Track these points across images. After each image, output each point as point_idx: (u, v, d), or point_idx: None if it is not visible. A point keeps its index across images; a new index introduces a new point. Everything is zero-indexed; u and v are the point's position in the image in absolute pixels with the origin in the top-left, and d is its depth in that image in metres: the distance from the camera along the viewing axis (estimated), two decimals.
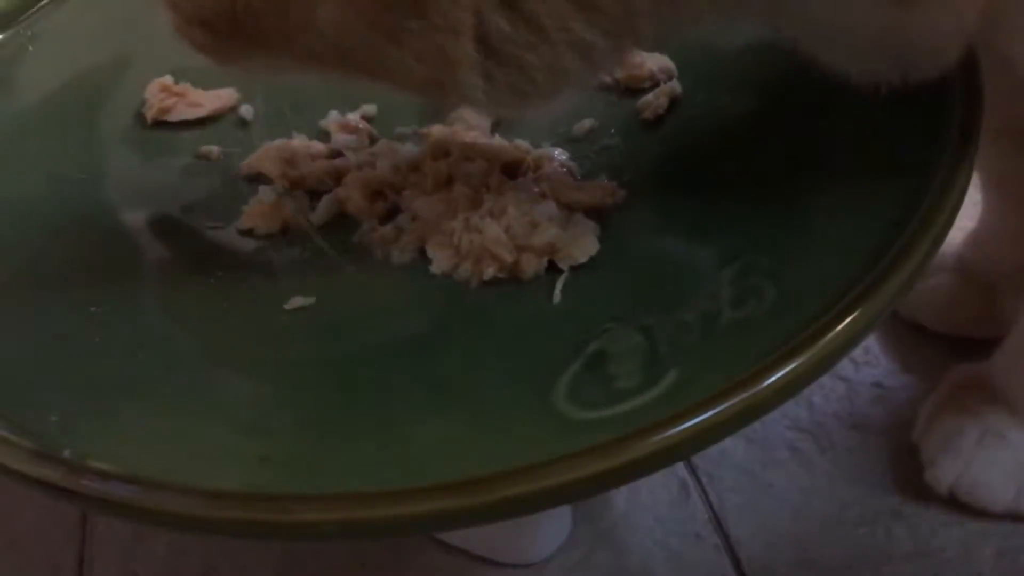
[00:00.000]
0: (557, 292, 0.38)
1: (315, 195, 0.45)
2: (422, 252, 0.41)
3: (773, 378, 0.30)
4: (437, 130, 0.47)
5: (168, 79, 0.49)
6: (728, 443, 0.55)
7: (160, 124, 0.49)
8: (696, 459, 0.54)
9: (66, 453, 0.31)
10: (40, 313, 0.39)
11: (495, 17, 0.32)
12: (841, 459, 0.54)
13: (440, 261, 0.40)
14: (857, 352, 0.61)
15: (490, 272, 0.39)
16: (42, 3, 0.51)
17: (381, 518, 0.28)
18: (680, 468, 0.53)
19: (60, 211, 0.44)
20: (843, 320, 0.32)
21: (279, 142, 0.47)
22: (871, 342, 0.61)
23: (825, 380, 0.58)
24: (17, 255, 0.41)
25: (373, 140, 0.48)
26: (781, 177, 0.40)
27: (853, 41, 0.38)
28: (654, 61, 0.48)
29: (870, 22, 0.36)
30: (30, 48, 0.49)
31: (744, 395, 0.30)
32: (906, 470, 0.52)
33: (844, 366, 0.60)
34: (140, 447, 0.32)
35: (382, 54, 0.32)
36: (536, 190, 0.42)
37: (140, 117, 0.49)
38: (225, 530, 0.30)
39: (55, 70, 0.49)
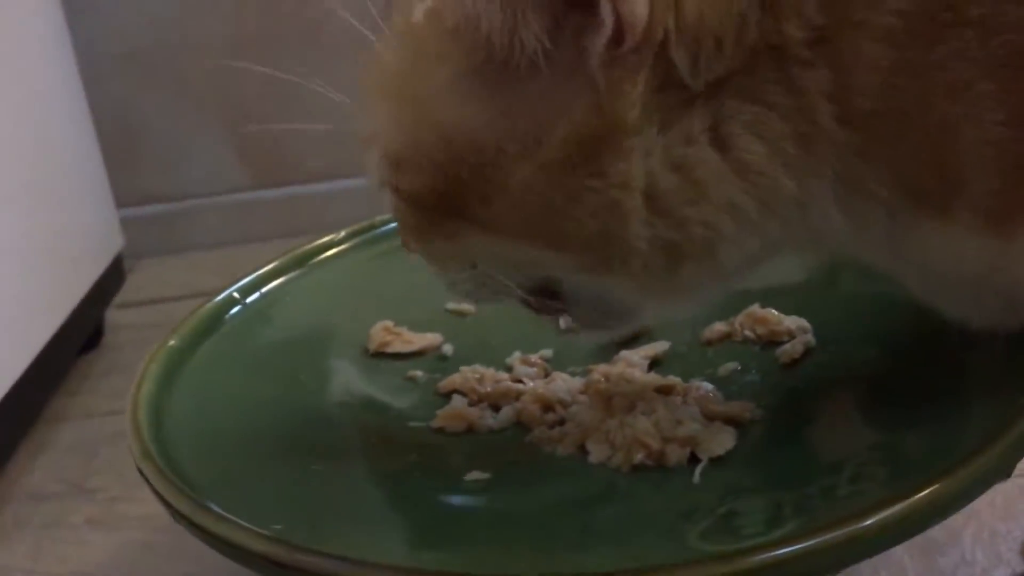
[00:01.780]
0: (697, 474, 0.45)
1: (496, 408, 0.55)
2: (582, 448, 0.49)
3: (872, 520, 0.35)
4: (602, 367, 0.56)
5: (389, 323, 0.62)
6: None
7: (379, 355, 0.60)
8: None
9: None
10: (273, 468, 0.48)
11: (664, 174, 0.38)
12: None
13: (597, 453, 0.48)
14: None
15: (639, 457, 0.46)
16: (310, 263, 0.66)
17: None
18: None
19: (298, 409, 0.55)
20: (938, 483, 0.37)
21: (472, 367, 0.57)
22: None
23: None
24: (268, 435, 0.52)
25: (547, 374, 0.58)
26: (895, 398, 0.47)
27: (962, 284, 0.43)
28: (791, 321, 0.57)
29: (974, 260, 0.41)
30: (298, 292, 0.64)
31: (846, 529, 0.35)
32: None
33: None
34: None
35: (562, 211, 0.39)
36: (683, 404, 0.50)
37: (364, 348, 0.61)
38: None
39: (306, 311, 0.63)
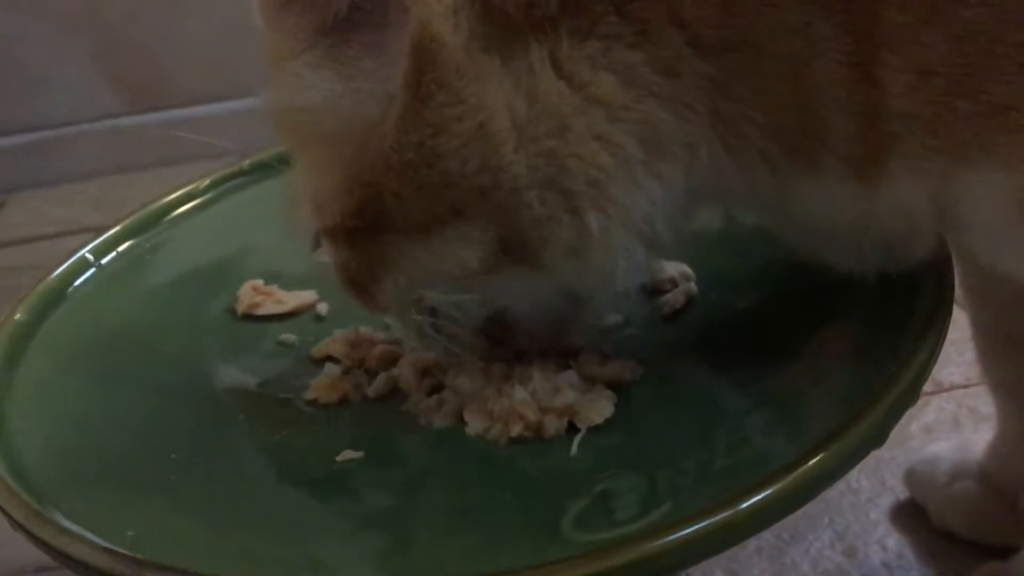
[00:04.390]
0: (574, 447, 0.43)
1: (373, 374, 0.52)
2: (460, 418, 0.47)
3: (748, 503, 0.34)
4: None
5: (259, 282, 0.58)
6: None
7: (248, 317, 0.57)
8: None
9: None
10: (127, 463, 0.45)
11: (519, 102, 0.38)
12: None
13: (474, 424, 0.46)
14: (891, 557, 0.62)
15: (516, 430, 0.44)
16: (170, 217, 0.61)
17: None
18: None
19: (158, 388, 0.51)
20: (811, 460, 0.36)
21: (348, 330, 0.54)
22: (905, 549, 0.62)
23: None
24: (124, 423, 0.48)
25: None
26: (775, 355, 0.46)
27: (843, 236, 0.42)
28: (674, 268, 0.55)
29: (847, 212, 0.41)
30: (158, 251, 0.59)
31: (722, 515, 0.34)
32: None
33: (879, 572, 0.62)
34: (199, 555, 0.37)
35: (441, 152, 0.39)
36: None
37: (232, 311, 0.57)
38: None
39: (167, 272, 0.59)
